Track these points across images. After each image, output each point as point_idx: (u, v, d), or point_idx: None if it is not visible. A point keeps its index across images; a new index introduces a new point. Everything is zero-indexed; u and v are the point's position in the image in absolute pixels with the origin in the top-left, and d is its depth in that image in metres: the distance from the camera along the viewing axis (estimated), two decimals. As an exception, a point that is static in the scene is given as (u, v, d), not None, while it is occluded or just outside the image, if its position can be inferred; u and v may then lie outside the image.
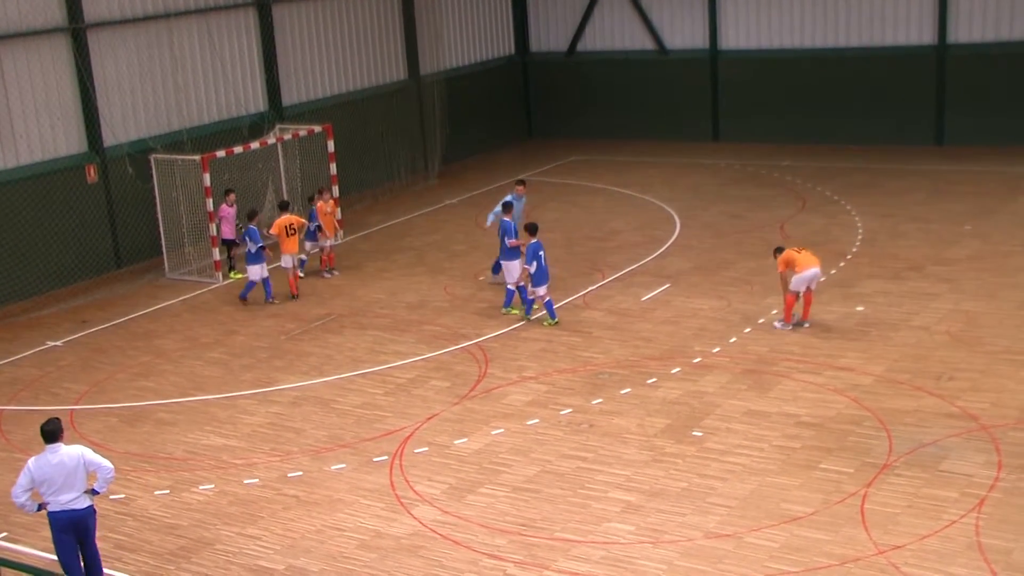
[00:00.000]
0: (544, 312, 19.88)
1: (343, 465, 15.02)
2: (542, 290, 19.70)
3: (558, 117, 37.24)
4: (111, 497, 14.37)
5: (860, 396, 15.97)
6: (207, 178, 23.66)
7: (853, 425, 15.07)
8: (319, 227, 23.51)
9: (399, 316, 21.01)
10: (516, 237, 20.19)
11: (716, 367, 17.44)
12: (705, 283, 21.58)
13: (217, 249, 23.89)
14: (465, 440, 15.50)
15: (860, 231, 24.34)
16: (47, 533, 11.94)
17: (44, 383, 18.90)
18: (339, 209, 26.39)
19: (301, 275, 23.28)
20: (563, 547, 12.60)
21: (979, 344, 17.60)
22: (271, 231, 22.71)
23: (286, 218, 22.65)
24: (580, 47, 36.80)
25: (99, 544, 13.08)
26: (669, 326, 19.37)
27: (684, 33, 35.04)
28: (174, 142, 25.62)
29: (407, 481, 14.43)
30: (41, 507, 11.73)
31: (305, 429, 16.29)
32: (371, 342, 19.72)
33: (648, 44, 35.64)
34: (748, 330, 18.88)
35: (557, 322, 19.74)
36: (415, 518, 13.48)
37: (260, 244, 22.05)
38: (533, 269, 19.46)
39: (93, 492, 11.81)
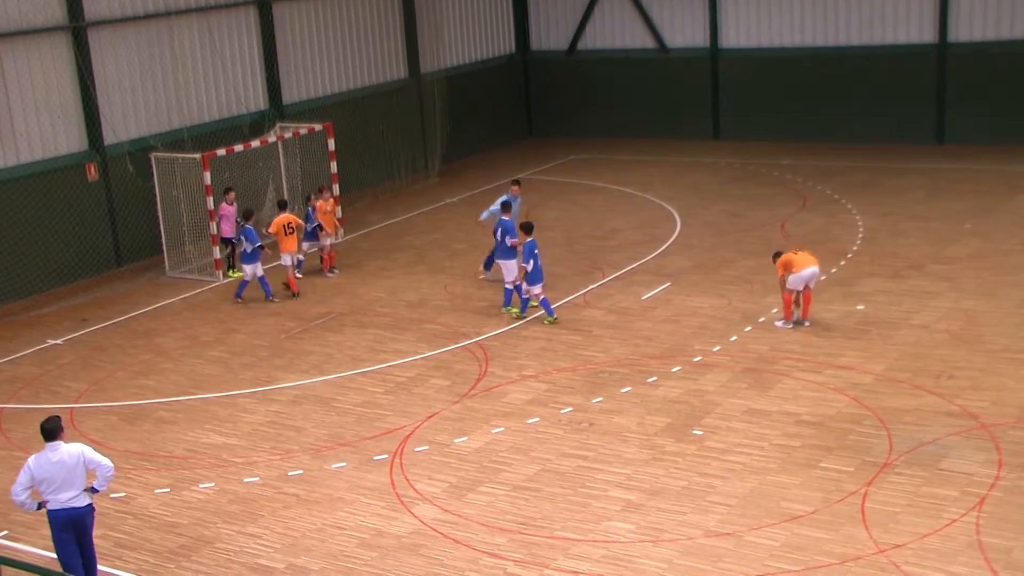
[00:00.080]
0: (543, 311, 19.89)
1: (343, 464, 15.02)
2: (537, 288, 19.71)
3: (558, 116, 37.24)
4: (111, 495, 14.37)
5: (860, 395, 15.97)
6: (207, 176, 23.66)
7: (853, 424, 15.07)
8: (318, 226, 23.48)
9: (399, 315, 21.01)
10: (516, 236, 20.19)
11: (716, 366, 17.44)
12: (705, 282, 21.58)
13: (217, 248, 23.90)
14: (465, 439, 15.51)
15: (860, 229, 24.34)
16: (47, 532, 11.94)
17: (44, 381, 18.91)
18: (339, 207, 26.41)
19: (299, 275, 23.29)
20: (563, 546, 12.60)
21: (979, 343, 17.60)
22: (269, 230, 22.77)
23: (283, 217, 22.70)
24: (581, 46, 36.79)
25: (99, 542, 13.12)
26: (669, 325, 19.37)
27: (684, 32, 35.03)
28: (175, 140, 25.62)
29: (407, 480, 14.43)
30: (41, 505, 11.74)
31: (305, 428, 16.30)
32: (371, 341, 19.72)
33: (649, 43, 35.63)
34: (748, 329, 18.88)
35: (556, 319, 19.75)
36: (415, 517, 13.48)
37: (257, 244, 22.07)
38: (530, 267, 19.48)
39: (93, 490, 11.83)
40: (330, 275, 23.66)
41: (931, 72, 31.62)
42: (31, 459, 11.66)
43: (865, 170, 29.64)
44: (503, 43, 36.99)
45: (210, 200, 23.76)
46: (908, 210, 25.63)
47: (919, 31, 31.78)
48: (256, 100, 28.24)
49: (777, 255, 18.94)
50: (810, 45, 33.27)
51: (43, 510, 11.79)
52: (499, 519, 13.28)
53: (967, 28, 31.21)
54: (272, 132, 26.87)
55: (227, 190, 24.05)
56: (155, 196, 24.76)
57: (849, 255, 22.54)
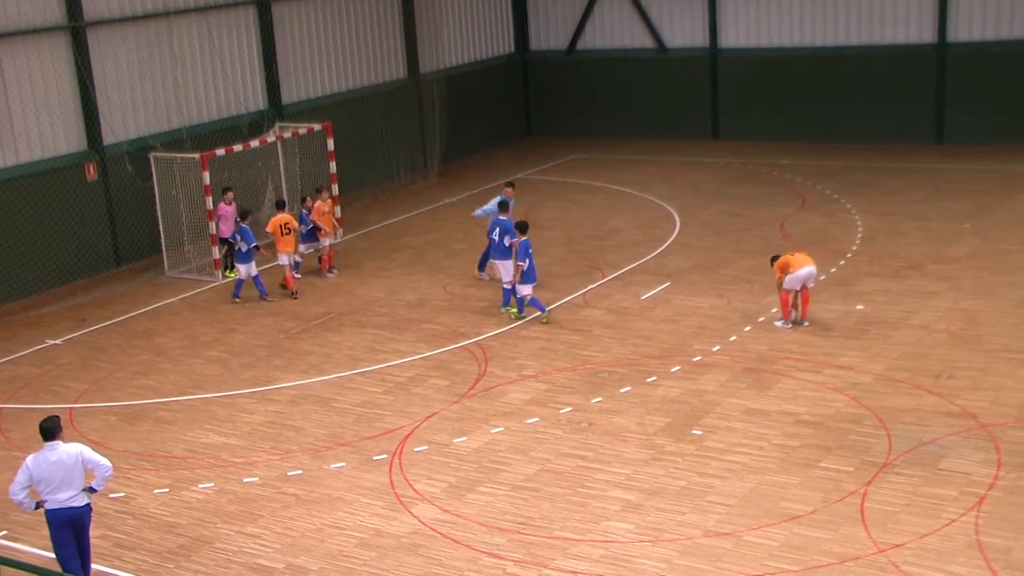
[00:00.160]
0: (539, 312, 19.89)
1: (343, 464, 15.02)
2: (527, 289, 19.73)
3: (558, 115, 37.23)
4: (110, 495, 14.37)
5: (860, 394, 15.97)
6: (207, 176, 23.66)
7: (853, 423, 15.07)
8: (314, 228, 23.43)
9: (398, 315, 21.01)
10: (515, 236, 20.18)
11: (716, 365, 17.44)
12: (705, 281, 21.58)
13: (216, 247, 23.90)
14: (464, 439, 15.50)
15: (860, 229, 24.34)
16: (46, 532, 11.94)
17: (43, 381, 18.90)
18: (338, 207, 26.42)
19: (298, 276, 23.30)
20: (562, 546, 12.60)
21: (978, 342, 17.60)
22: (267, 229, 22.81)
23: (280, 217, 22.73)
24: (580, 45, 36.79)
25: (98, 542, 13.15)
26: (669, 324, 19.37)
27: (684, 31, 35.03)
28: (174, 140, 25.62)
29: (407, 480, 14.43)
30: (39, 505, 11.74)
31: (305, 428, 16.29)
32: (370, 341, 19.72)
33: (648, 42, 35.63)
34: (748, 328, 18.88)
35: (548, 313, 19.76)
36: (415, 516, 13.48)
37: (253, 244, 22.09)
38: (526, 266, 19.51)
39: (91, 490, 11.83)
40: (329, 275, 23.65)
41: (930, 72, 31.62)
42: (29, 458, 11.66)
43: (864, 170, 29.64)
44: (502, 43, 36.98)
45: (209, 200, 23.76)
46: (907, 210, 25.63)
47: (918, 31, 31.79)
48: (255, 100, 28.23)
49: (775, 258, 18.96)
50: (809, 45, 33.27)
51: (41, 509, 11.79)
52: (498, 519, 13.28)
53: (966, 28, 31.21)
54: (271, 132, 26.86)
55: (225, 190, 24.04)
56: (154, 196, 24.76)
57: (848, 255, 22.54)
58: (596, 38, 36.54)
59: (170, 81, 26.03)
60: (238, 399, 17.56)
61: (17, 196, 22.94)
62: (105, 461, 11.80)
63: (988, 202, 25.73)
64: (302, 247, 23.58)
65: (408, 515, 13.52)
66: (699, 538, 12.53)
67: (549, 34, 37.31)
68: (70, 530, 11.72)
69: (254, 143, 25.59)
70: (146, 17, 25.43)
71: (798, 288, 18.64)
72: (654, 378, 17.10)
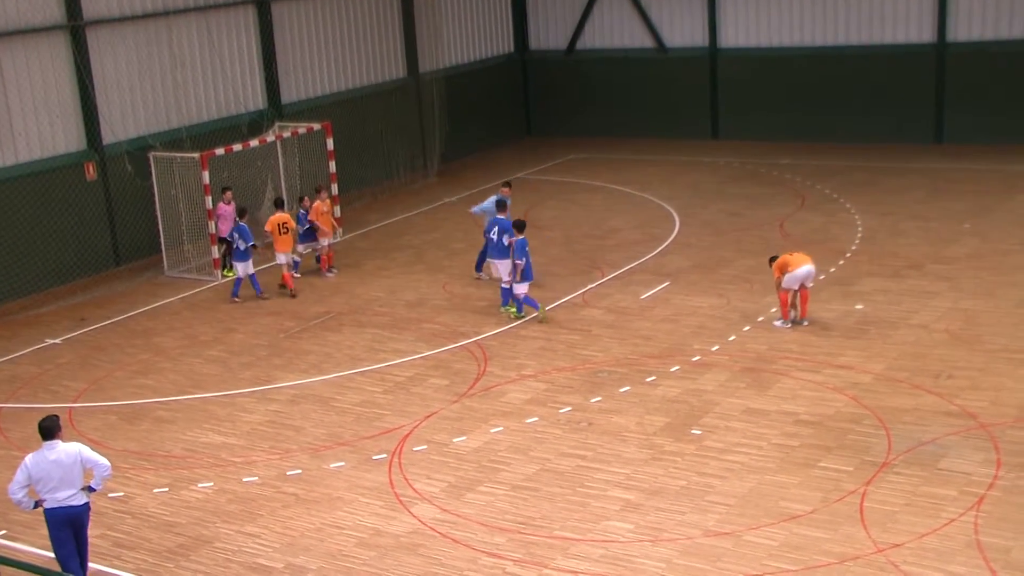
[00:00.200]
0: (536, 311, 19.90)
1: (342, 463, 15.01)
2: (524, 287, 19.75)
3: (557, 115, 37.23)
4: (110, 495, 14.37)
5: (859, 394, 15.97)
6: (206, 176, 23.65)
7: (852, 423, 15.07)
8: (311, 227, 23.43)
9: (398, 314, 21.00)
10: (513, 236, 20.18)
11: (715, 365, 17.43)
12: (704, 281, 21.58)
13: (216, 247, 23.89)
14: (464, 438, 15.50)
15: (859, 229, 24.34)
16: (46, 531, 11.94)
17: (43, 381, 18.90)
18: (338, 207, 26.42)
19: (297, 275, 23.34)
20: (562, 545, 12.60)
21: (978, 342, 17.60)
22: (266, 228, 22.85)
23: (278, 216, 22.75)
24: (579, 45, 36.78)
25: (97, 542, 13.16)
26: (668, 324, 19.37)
27: (683, 31, 35.03)
28: (173, 140, 25.61)
29: (406, 479, 14.42)
30: (38, 504, 11.75)
31: (304, 427, 16.29)
32: (370, 340, 19.72)
33: (647, 42, 35.63)
34: (747, 328, 18.88)
35: (544, 310, 19.79)
36: (414, 516, 13.47)
37: (251, 243, 22.12)
38: (523, 265, 19.53)
39: (90, 489, 11.83)
40: (328, 275, 23.64)
41: (930, 72, 31.62)
42: (28, 457, 11.67)
43: (864, 169, 29.65)
44: (502, 42, 36.98)
45: (208, 199, 23.76)
46: (907, 210, 25.63)
47: (918, 31, 31.79)
48: (255, 99, 28.22)
49: (773, 259, 18.96)
50: (809, 45, 33.27)
51: (40, 509, 11.79)
52: (498, 519, 13.27)
53: (966, 28, 31.21)
54: (271, 131, 26.86)
55: (224, 189, 24.04)
56: (154, 195, 24.75)
57: (848, 254, 22.54)
58: (596, 38, 36.53)
59: (169, 80, 26.02)
60: (237, 398, 17.56)
61: (17, 195, 22.93)
62: (104, 460, 11.80)
63: (988, 202, 25.73)
64: (300, 247, 23.59)
65: (407, 515, 13.52)
66: (699, 538, 12.53)
67: (549, 34, 37.31)
68: (69, 529, 11.72)
69: (254, 143, 25.59)
70: (145, 16, 25.42)
71: (796, 287, 18.64)
72: (653, 378, 17.09)
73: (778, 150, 32.43)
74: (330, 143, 26.62)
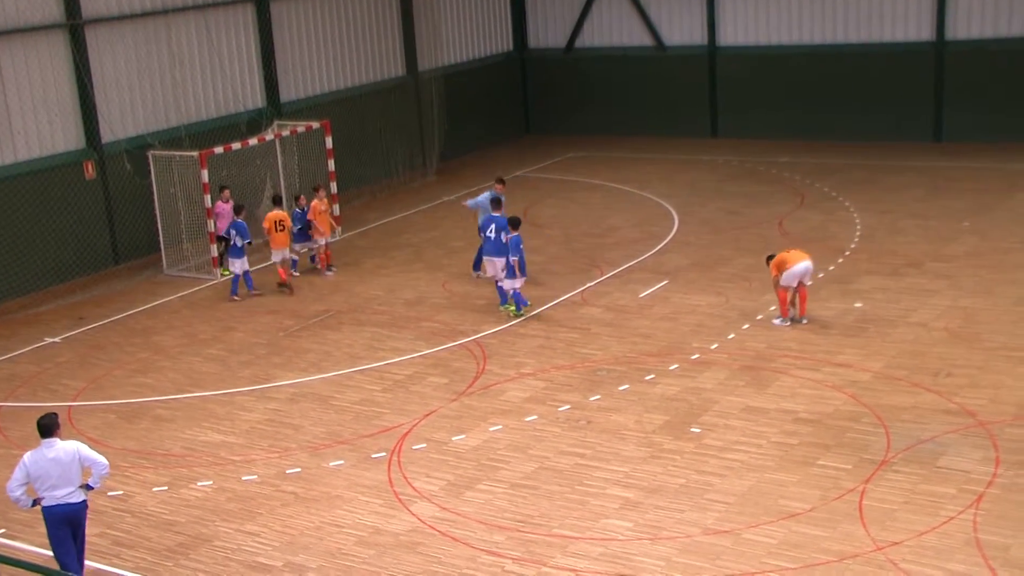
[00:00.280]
0: (523, 308, 19.97)
1: (341, 462, 15.02)
2: (518, 283, 19.79)
3: (556, 113, 37.24)
4: (109, 493, 14.38)
5: (858, 392, 15.98)
6: (205, 174, 23.63)
7: (851, 421, 15.07)
8: (305, 227, 23.41)
9: (397, 313, 21.01)
10: (510, 233, 20.19)
11: (714, 363, 17.44)
12: (703, 279, 21.59)
13: (215, 246, 23.89)
14: (463, 436, 15.51)
15: (858, 227, 24.35)
16: (45, 530, 11.93)
17: (42, 379, 18.90)
18: (337, 206, 26.42)
19: (296, 274, 23.40)
20: (561, 543, 12.60)
21: (977, 340, 17.61)
22: (263, 224, 22.88)
23: (275, 214, 22.77)
24: (578, 43, 36.78)
25: (97, 540, 13.18)
26: (667, 322, 19.37)
27: (682, 29, 35.03)
28: (172, 138, 25.60)
29: (405, 477, 14.43)
30: (36, 502, 11.75)
31: (303, 426, 16.29)
32: (369, 338, 19.72)
33: (646, 40, 35.62)
34: (746, 326, 18.89)
35: (524, 312, 19.85)
36: (413, 514, 13.48)
37: (248, 240, 22.17)
38: (518, 262, 19.59)
39: (88, 487, 11.83)
40: (328, 274, 23.65)
41: (929, 70, 31.62)
42: (27, 455, 11.67)
43: (863, 168, 29.65)
44: (501, 41, 36.97)
45: (207, 198, 23.76)
46: (906, 208, 25.63)
47: (917, 29, 31.78)
48: (254, 98, 28.22)
49: (770, 258, 18.97)
50: (808, 43, 33.27)
51: (38, 507, 11.79)
52: (497, 517, 13.28)
53: (965, 26, 31.21)
54: (270, 130, 26.84)
55: (222, 188, 24.04)
56: (153, 194, 24.75)
57: (847, 253, 22.55)
58: (595, 36, 36.52)
59: (168, 79, 26.02)
60: (237, 397, 17.56)
61: (16, 194, 22.93)
62: (102, 459, 11.80)
63: (987, 200, 25.74)
64: (297, 246, 23.61)
65: (407, 513, 13.52)
66: (698, 536, 12.54)
67: (548, 32, 37.30)
68: (67, 527, 11.72)
69: (253, 141, 25.58)
70: (144, 15, 25.41)
71: (795, 285, 18.63)
72: (652, 376, 17.10)
73: (777, 148, 32.43)
74: (329, 141, 26.62)
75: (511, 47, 37.37)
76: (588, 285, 21.71)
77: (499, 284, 20.38)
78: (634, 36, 35.79)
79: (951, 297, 19.64)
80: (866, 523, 12.51)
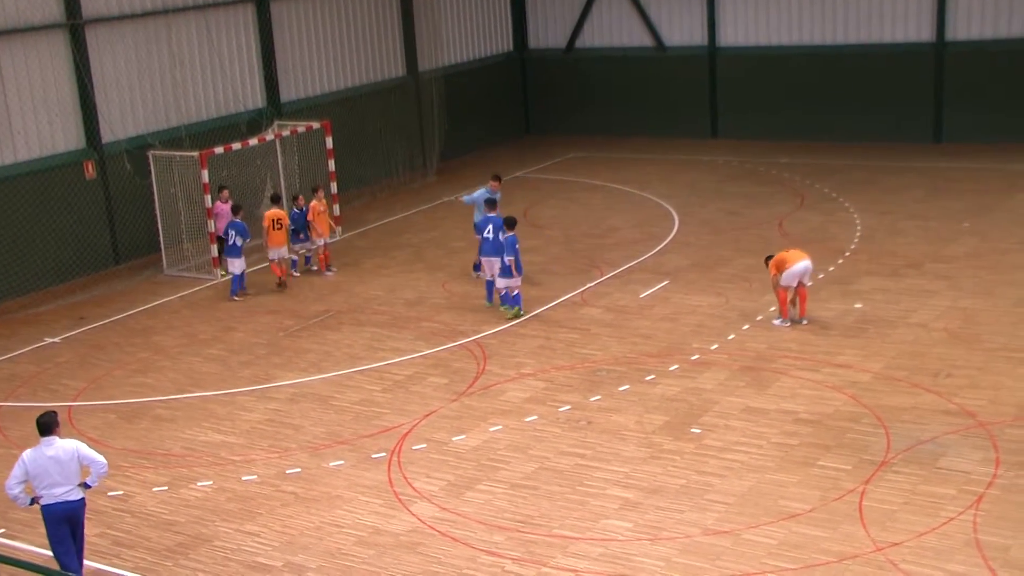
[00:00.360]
0: (513, 309, 19.99)
1: (341, 462, 15.02)
2: (515, 282, 19.82)
3: (556, 114, 37.24)
4: (109, 494, 14.38)
5: (858, 393, 15.98)
6: (205, 174, 23.63)
7: (851, 422, 15.08)
8: (304, 227, 23.41)
9: (397, 313, 21.01)
10: (501, 233, 20.15)
11: (714, 364, 17.44)
12: (703, 280, 21.59)
13: (215, 246, 23.89)
14: (463, 437, 15.51)
15: (858, 228, 24.35)
16: (44, 530, 11.93)
17: (42, 379, 18.90)
18: (337, 206, 26.42)
19: (296, 274, 23.43)
20: (561, 544, 12.60)
21: (977, 341, 17.61)
22: (263, 224, 22.91)
23: (273, 212, 22.80)
24: (579, 44, 36.79)
25: (97, 540, 13.18)
26: (667, 323, 19.38)
27: (682, 30, 35.04)
28: (172, 138, 25.61)
29: (405, 478, 14.43)
30: (34, 501, 11.75)
31: (303, 426, 16.29)
32: (369, 339, 19.72)
33: (646, 41, 35.63)
34: (746, 327, 18.89)
35: (514, 313, 19.88)
36: (413, 515, 13.48)
37: (247, 238, 22.22)
38: (514, 261, 19.61)
39: (85, 486, 11.84)
40: (328, 274, 23.65)
41: (929, 70, 31.63)
42: (26, 453, 11.68)
43: (863, 168, 29.66)
44: (501, 41, 36.99)
45: (208, 198, 23.76)
46: (906, 209, 25.64)
47: (917, 29, 31.79)
48: (254, 98, 28.22)
49: (769, 258, 18.97)
50: (808, 43, 33.28)
51: (36, 506, 11.79)
52: (497, 517, 13.28)
53: (965, 26, 31.22)
54: (270, 130, 26.84)
55: (221, 188, 24.04)
56: (153, 194, 24.75)
57: (847, 253, 22.55)
58: (595, 36, 36.54)
59: (169, 79, 26.03)
60: (237, 397, 17.56)
61: (16, 194, 22.93)
62: (101, 458, 11.81)
63: (987, 201, 25.74)
64: (296, 246, 23.61)
65: (407, 513, 13.53)
66: (698, 536, 12.54)
67: (548, 32, 37.32)
68: (66, 526, 11.72)
69: (253, 141, 25.58)
70: (145, 15, 25.42)
71: (795, 285, 18.63)
72: (653, 376, 17.10)
73: (777, 149, 32.44)
74: (329, 142, 26.62)
75: (511, 47, 37.39)
76: (588, 286, 21.71)
77: (488, 281, 20.41)
78: (634, 36, 35.80)
79: (951, 298, 19.64)
80: (866, 524, 12.51)
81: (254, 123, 27.57)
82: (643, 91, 35.56)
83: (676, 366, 17.45)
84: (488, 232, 20.42)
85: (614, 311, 20.19)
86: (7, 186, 22.83)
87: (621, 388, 16.74)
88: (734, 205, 27.05)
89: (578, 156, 34.01)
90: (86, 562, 12.29)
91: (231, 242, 22.27)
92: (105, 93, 24.71)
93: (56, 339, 20.82)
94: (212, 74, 27.08)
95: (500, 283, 20.08)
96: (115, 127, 24.87)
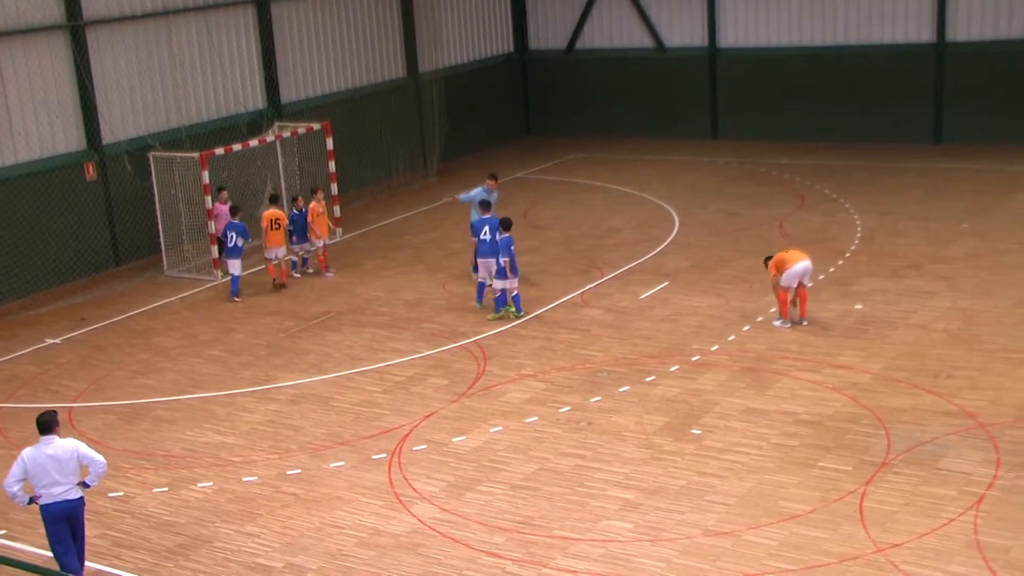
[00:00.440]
0: (500, 312, 20.03)
1: (342, 463, 15.02)
2: (511, 284, 19.83)
3: (557, 115, 37.25)
4: (109, 495, 14.39)
5: (858, 394, 15.98)
6: (206, 176, 23.64)
7: (851, 423, 15.08)
8: (299, 230, 23.40)
9: (397, 314, 21.01)
10: (498, 234, 20.12)
11: (715, 365, 17.44)
12: (703, 281, 21.59)
13: (215, 247, 23.90)
14: (464, 438, 15.51)
15: (858, 229, 24.35)
16: (44, 531, 11.93)
17: (43, 381, 18.90)
18: (338, 207, 26.43)
19: (296, 275, 23.44)
20: (561, 545, 12.61)
21: (977, 342, 17.61)
22: (262, 223, 22.93)
23: (272, 212, 22.82)
24: (579, 45, 36.80)
25: (97, 541, 13.19)
26: (668, 324, 19.38)
27: (683, 31, 35.05)
28: (173, 140, 25.61)
29: (406, 479, 14.43)
30: (32, 500, 11.75)
31: (304, 427, 16.30)
32: (369, 340, 19.72)
33: (647, 42, 35.64)
34: (746, 328, 18.89)
35: (501, 316, 19.93)
36: (414, 516, 13.48)
37: (247, 238, 22.24)
38: (509, 263, 19.61)
39: (84, 485, 11.84)
40: (327, 275, 23.66)
41: (929, 71, 31.63)
42: (25, 451, 11.68)
43: (863, 169, 29.66)
44: (501, 42, 36.99)
45: (208, 199, 23.77)
46: (906, 209, 25.64)
47: (917, 30, 31.80)
48: (254, 99, 28.23)
49: (768, 259, 18.97)
50: (808, 44, 33.29)
51: (35, 506, 11.79)
52: (497, 518, 13.28)
53: (965, 27, 31.22)
54: (270, 131, 26.85)
55: (220, 189, 24.04)
56: (153, 195, 24.76)
57: (847, 254, 22.56)
58: (595, 37, 36.54)
59: (169, 80, 26.03)
60: (237, 398, 17.57)
61: (16, 195, 22.93)
62: (100, 457, 11.81)
63: (987, 202, 25.75)
64: (296, 247, 23.62)
65: (407, 514, 13.53)
66: (698, 537, 12.54)
67: (548, 33, 37.32)
68: (66, 525, 11.73)
69: (253, 142, 25.59)
70: (145, 16, 25.42)
71: (795, 285, 18.62)
72: (653, 377, 17.10)
73: (777, 150, 32.45)
74: (330, 143, 26.62)
75: (512, 48, 37.40)
76: (588, 287, 21.72)
77: (480, 283, 20.41)
78: (634, 37, 35.80)
79: (951, 299, 19.64)
80: (866, 525, 12.52)
81: (254, 124, 27.57)
82: (643, 92, 35.57)
83: (676, 367, 17.45)
84: (485, 233, 20.43)
85: (614, 312, 20.19)
86: (8, 187, 22.84)
87: (621, 389, 16.75)
88: (734, 206, 27.05)
89: (578, 157, 34.02)
90: (87, 563, 12.29)
91: (231, 243, 22.27)
92: (105, 94, 24.71)
93: (57, 340, 20.83)
94: (212, 75, 27.08)
95: (497, 284, 20.10)
96: (115, 128, 24.87)
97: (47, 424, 11.69)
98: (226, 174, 25.08)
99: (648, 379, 17.06)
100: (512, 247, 19.82)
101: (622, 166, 32.33)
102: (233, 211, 22.86)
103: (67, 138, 24.17)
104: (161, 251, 24.88)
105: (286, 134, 26.48)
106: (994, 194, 26.35)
